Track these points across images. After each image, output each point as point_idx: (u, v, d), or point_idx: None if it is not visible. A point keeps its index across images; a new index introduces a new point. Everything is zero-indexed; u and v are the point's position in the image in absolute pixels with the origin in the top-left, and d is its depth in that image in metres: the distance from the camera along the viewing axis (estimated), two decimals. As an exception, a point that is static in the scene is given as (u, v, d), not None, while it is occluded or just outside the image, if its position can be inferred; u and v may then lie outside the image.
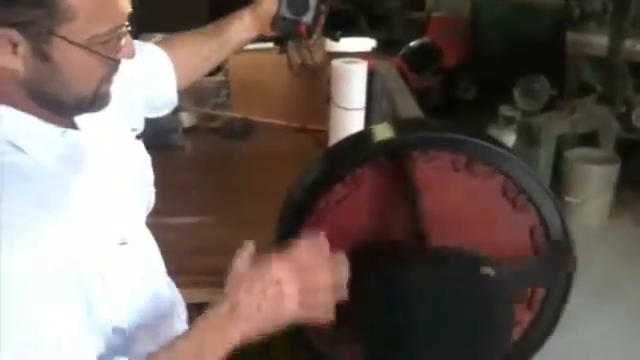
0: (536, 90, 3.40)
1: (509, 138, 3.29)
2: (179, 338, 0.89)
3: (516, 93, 3.44)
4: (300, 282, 0.90)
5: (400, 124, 1.32)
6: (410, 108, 1.84)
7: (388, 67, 2.19)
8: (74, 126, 0.96)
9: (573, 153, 3.24)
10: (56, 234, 0.83)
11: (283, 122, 2.03)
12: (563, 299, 1.06)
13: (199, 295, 1.23)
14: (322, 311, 0.91)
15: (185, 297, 1.21)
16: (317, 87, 2.17)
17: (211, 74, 1.85)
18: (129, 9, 0.90)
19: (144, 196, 1.14)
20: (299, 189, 1.03)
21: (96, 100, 0.93)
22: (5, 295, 0.76)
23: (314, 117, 1.96)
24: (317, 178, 1.01)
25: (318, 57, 2.23)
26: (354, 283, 0.94)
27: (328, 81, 1.79)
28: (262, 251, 1.03)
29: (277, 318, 0.90)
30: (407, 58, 3.84)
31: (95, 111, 0.95)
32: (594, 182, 3.17)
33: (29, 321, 0.79)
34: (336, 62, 1.75)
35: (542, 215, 1.01)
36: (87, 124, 0.98)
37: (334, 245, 0.97)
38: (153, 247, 1.12)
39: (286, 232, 1.01)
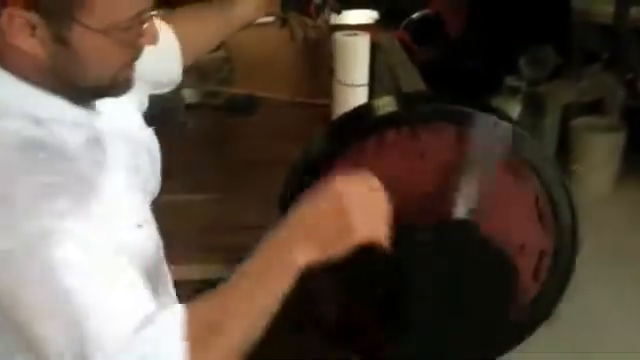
0: (542, 59, 3.37)
1: (515, 108, 3.26)
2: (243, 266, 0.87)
3: (522, 62, 3.41)
4: (363, 201, 0.87)
5: (403, 97, 1.32)
6: (413, 81, 1.83)
7: (391, 40, 2.18)
8: (95, 110, 0.96)
9: (579, 122, 3.22)
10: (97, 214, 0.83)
11: (286, 97, 2.02)
12: (569, 267, 1.06)
13: (204, 272, 1.24)
14: (382, 232, 0.89)
15: (191, 274, 1.22)
16: (320, 61, 2.16)
17: (213, 50, 1.84)
18: None
19: (152, 183, 1.13)
20: (302, 165, 1.02)
21: (115, 86, 0.92)
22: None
23: (317, 91, 1.95)
24: (319, 153, 1.01)
25: (320, 29, 2.21)
26: (357, 256, 0.94)
27: (330, 55, 1.78)
28: (267, 227, 1.04)
29: (342, 235, 0.86)
30: (410, 30, 3.81)
31: (115, 96, 0.95)
32: (600, 150, 3.16)
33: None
34: (338, 35, 1.74)
35: (545, 183, 1.01)
36: (104, 108, 0.98)
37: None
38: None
39: (289, 208, 1.02)
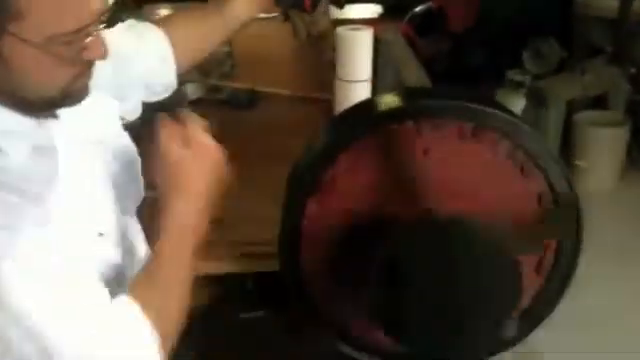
0: (545, 52, 3.36)
1: (518, 102, 3.25)
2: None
3: (525, 56, 3.40)
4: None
5: (406, 93, 1.31)
6: (417, 76, 1.82)
7: (394, 34, 2.16)
8: (54, 116, 0.94)
9: (582, 116, 3.20)
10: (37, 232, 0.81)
11: (288, 92, 2.01)
12: (572, 263, 1.05)
13: (209, 267, 1.24)
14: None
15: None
16: (322, 56, 2.15)
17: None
18: (101, 7, 0.85)
19: (132, 189, 1.11)
20: (304, 161, 1.02)
21: (69, 97, 0.90)
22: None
23: (320, 86, 1.95)
24: (322, 148, 1.01)
25: (323, 25, 2.20)
26: (360, 254, 0.94)
27: (333, 49, 1.77)
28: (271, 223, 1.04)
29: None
30: (413, 24, 3.80)
31: (70, 106, 0.92)
32: (604, 145, 3.14)
33: None
34: (341, 30, 1.73)
35: (550, 181, 1.00)
36: (70, 114, 0.96)
37: (340, 216, 0.97)
38: (138, 238, 1.11)
39: (293, 206, 1.01)
